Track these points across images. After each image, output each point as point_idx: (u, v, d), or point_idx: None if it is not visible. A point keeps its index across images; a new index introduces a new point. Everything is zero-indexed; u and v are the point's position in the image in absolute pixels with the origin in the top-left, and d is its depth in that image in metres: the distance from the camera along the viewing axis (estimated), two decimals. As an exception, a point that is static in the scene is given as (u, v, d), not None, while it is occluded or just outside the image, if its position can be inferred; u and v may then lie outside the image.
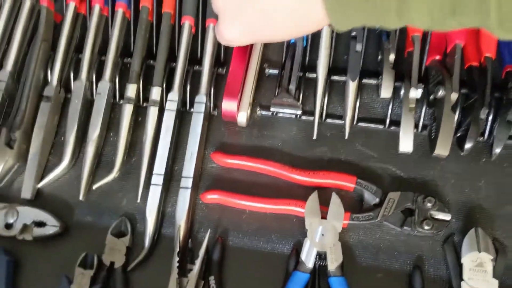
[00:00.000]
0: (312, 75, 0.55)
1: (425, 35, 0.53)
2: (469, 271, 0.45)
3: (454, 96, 0.49)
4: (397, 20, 0.35)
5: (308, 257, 0.47)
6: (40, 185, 0.54)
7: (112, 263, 0.50)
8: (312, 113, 0.54)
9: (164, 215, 0.53)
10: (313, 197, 0.49)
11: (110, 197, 0.54)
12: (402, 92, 0.51)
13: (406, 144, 0.49)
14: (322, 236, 0.48)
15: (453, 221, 0.50)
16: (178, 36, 0.56)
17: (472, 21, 0.34)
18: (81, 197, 0.53)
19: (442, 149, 0.48)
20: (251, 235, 0.51)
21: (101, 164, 0.55)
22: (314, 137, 0.53)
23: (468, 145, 0.49)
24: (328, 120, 0.55)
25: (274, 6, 0.39)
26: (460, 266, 0.46)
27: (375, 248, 0.50)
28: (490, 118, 0.51)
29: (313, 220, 0.48)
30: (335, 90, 0.56)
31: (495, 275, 0.45)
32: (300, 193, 0.51)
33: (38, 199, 0.54)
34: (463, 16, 0.33)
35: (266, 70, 0.57)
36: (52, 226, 0.52)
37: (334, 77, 0.55)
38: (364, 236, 0.50)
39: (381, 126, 0.54)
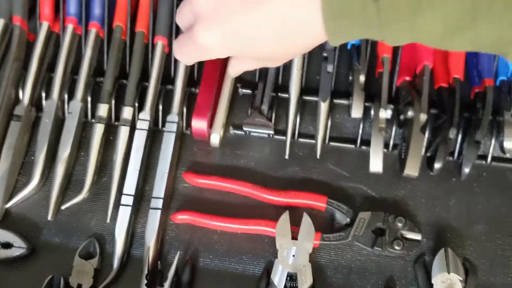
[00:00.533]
0: (284, 95, 0.55)
1: (395, 56, 0.54)
2: (439, 291, 0.45)
3: (423, 116, 0.50)
4: (406, 31, 0.32)
5: (279, 278, 0.47)
6: (8, 205, 0.53)
7: (79, 286, 0.49)
8: (284, 133, 0.54)
9: (134, 236, 0.52)
10: (284, 217, 0.49)
11: (80, 218, 0.53)
12: (372, 112, 0.52)
13: (376, 164, 0.50)
14: (293, 257, 0.47)
15: (424, 240, 0.50)
16: (151, 55, 0.56)
17: (491, 33, 0.31)
18: (49, 217, 0.52)
19: (412, 169, 0.49)
20: (222, 256, 0.51)
21: (71, 184, 0.55)
22: (286, 157, 0.53)
23: (437, 165, 0.49)
24: (301, 140, 0.55)
25: (265, 17, 0.34)
26: (431, 286, 0.46)
27: (347, 268, 0.50)
28: (459, 138, 0.52)
29: (284, 241, 0.48)
30: (307, 109, 0.56)
31: (464, 296, 0.45)
32: (272, 213, 0.51)
33: (6, 220, 0.53)
34: (484, 23, 0.30)
35: (240, 90, 0.57)
36: (18, 247, 0.50)
37: (306, 97, 0.56)
38: (336, 256, 0.50)
39: (353, 146, 0.54)
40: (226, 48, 0.38)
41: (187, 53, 0.41)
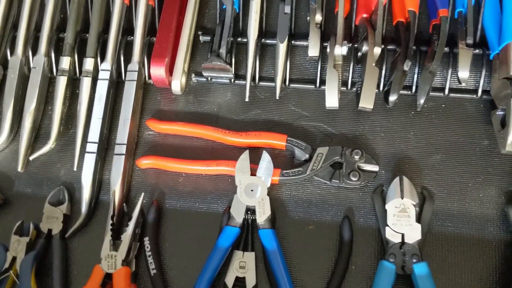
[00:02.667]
0: (244, 40, 0.56)
1: (354, -7, 0.54)
2: (393, 216, 0.46)
3: (377, 50, 0.50)
4: None
5: (238, 212, 0.48)
6: (-21, 160, 0.55)
7: (50, 231, 0.51)
8: (245, 77, 0.55)
9: (102, 183, 0.54)
10: (244, 156, 0.50)
11: (49, 168, 0.55)
12: (328, 50, 0.52)
13: (331, 99, 0.50)
14: (251, 192, 0.49)
15: (383, 172, 0.51)
16: (112, 7, 0.57)
17: None
18: (19, 169, 0.54)
19: (366, 102, 0.49)
20: (187, 197, 0.52)
21: (40, 136, 0.56)
22: (247, 99, 0.54)
23: (392, 98, 0.50)
24: (262, 83, 0.56)
25: None
26: (385, 212, 0.47)
27: (307, 202, 0.51)
28: (416, 71, 0.52)
29: (243, 177, 0.49)
30: (268, 53, 0.57)
31: (418, 220, 0.46)
32: (234, 154, 0.52)
33: (-22, 174, 0.55)
34: None
35: (201, 38, 0.58)
36: (-10, 198, 0.52)
37: (266, 40, 0.56)
38: (296, 191, 0.51)
39: (312, 86, 0.55)
40: None
41: None
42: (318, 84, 0.55)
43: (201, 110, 0.56)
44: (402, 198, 0.47)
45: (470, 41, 0.50)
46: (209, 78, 0.56)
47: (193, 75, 0.57)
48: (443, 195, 0.50)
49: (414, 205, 0.46)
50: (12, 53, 0.57)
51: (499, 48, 0.50)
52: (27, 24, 0.57)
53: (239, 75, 0.56)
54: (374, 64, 0.50)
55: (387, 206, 0.47)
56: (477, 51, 0.53)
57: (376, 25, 0.52)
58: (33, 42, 0.58)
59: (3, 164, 0.55)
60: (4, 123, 0.55)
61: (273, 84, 0.55)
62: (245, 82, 0.55)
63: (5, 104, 0.55)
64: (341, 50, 0.51)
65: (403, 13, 0.54)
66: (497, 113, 0.49)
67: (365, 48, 0.51)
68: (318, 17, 0.53)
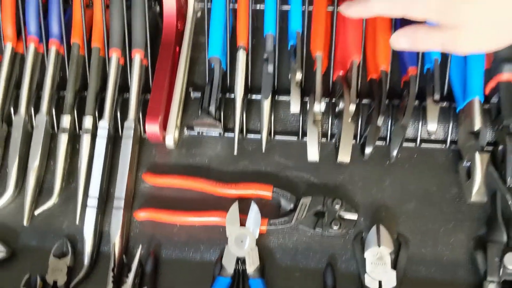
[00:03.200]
0: (232, 95, 0.60)
1: (330, 54, 0.59)
2: (371, 264, 0.51)
3: (352, 107, 0.54)
4: None
5: (229, 263, 0.52)
6: (-14, 214, 0.59)
7: (55, 283, 0.54)
8: (233, 130, 0.59)
9: (103, 235, 0.57)
10: (233, 208, 0.54)
11: (52, 221, 0.58)
12: (308, 106, 0.57)
13: (312, 153, 0.55)
14: (241, 243, 0.53)
15: (362, 220, 0.55)
16: (108, 65, 0.61)
17: None
18: (25, 223, 0.58)
19: (344, 156, 0.54)
20: (182, 247, 0.56)
21: (43, 191, 0.60)
22: (235, 153, 0.58)
23: (367, 150, 0.54)
24: (250, 136, 0.60)
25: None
26: (364, 260, 0.51)
27: (293, 250, 0.55)
28: (389, 124, 0.57)
29: (233, 228, 0.53)
30: (254, 107, 0.61)
31: (394, 267, 0.51)
32: (225, 204, 0.56)
33: (-15, 228, 0.59)
34: None
35: (192, 94, 0.62)
36: (-2, 252, 0.56)
37: (252, 96, 0.61)
38: (283, 239, 0.55)
39: (295, 138, 0.59)
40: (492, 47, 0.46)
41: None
42: (300, 136, 0.59)
43: (193, 162, 0.60)
44: (379, 246, 0.51)
45: (437, 97, 0.55)
46: (200, 132, 0.61)
47: (185, 129, 0.61)
48: (417, 241, 0.54)
49: (390, 252, 0.51)
50: (15, 111, 0.61)
51: (464, 104, 0.55)
52: (29, 84, 0.61)
53: (228, 129, 0.61)
54: (350, 120, 0.55)
55: (365, 254, 0.51)
56: (444, 104, 0.57)
57: (351, 82, 0.56)
58: (35, 100, 0.62)
59: (9, 218, 0.59)
60: (10, 180, 0.59)
61: (259, 136, 0.60)
62: (233, 135, 0.59)
63: (10, 162, 0.59)
64: (319, 107, 0.56)
65: (376, 70, 0.58)
66: (463, 164, 0.54)
67: (341, 105, 0.55)
68: (298, 76, 0.58)
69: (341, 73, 0.59)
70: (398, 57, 0.60)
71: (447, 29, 0.45)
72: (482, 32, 0.44)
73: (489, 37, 0.45)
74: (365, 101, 0.58)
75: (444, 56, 0.56)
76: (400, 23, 0.57)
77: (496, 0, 0.42)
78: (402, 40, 0.49)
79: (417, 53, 0.57)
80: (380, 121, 0.54)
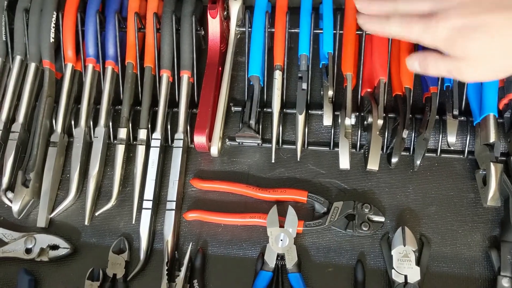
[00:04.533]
0: (269, 110, 0.67)
1: (359, 72, 0.65)
2: (397, 261, 0.57)
3: (380, 122, 0.61)
4: None
5: (270, 259, 0.59)
6: (52, 215, 0.66)
7: (114, 275, 0.61)
8: (271, 141, 0.66)
9: (155, 233, 0.64)
10: (273, 211, 0.61)
11: (110, 221, 0.66)
12: (339, 120, 0.63)
13: (344, 162, 0.61)
14: (281, 241, 0.59)
15: (388, 222, 0.62)
16: (158, 85, 0.69)
17: None
18: (86, 223, 0.65)
19: (373, 165, 0.60)
20: (226, 245, 0.63)
21: (101, 194, 0.67)
22: (273, 161, 0.65)
23: (394, 160, 0.61)
24: (285, 146, 0.67)
25: None
26: (391, 257, 0.58)
27: (326, 248, 0.61)
28: (413, 136, 0.63)
29: (273, 229, 0.60)
30: (289, 120, 0.68)
31: (418, 263, 0.57)
32: (264, 207, 0.63)
33: (51, 227, 0.66)
34: None
35: (232, 108, 0.69)
36: (64, 248, 0.63)
37: (287, 110, 0.67)
38: (317, 239, 0.62)
39: (327, 148, 0.66)
40: (495, 76, 0.52)
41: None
42: (332, 147, 0.66)
43: (234, 169, 0.67)
44: (404, 245, 0.57)
45: (456, 112, 0.61)
46: (240, 143, 0.68)
47: (227, 140, 0.68)
48: (438, 240, 0.60)
49: (414, 251, 0.57)
50: (76, 124, 0.69)
51: (480, 118, 0.61)
52: (88, 99, 0.69)
53: (266, 139, 0.67)
54: (378, 133, 0.61)
55: (392, 252, 0.57)
56: (462, 118, 0.64)
57: (378, 99, 0.63)
58: (93, 115, 0.69)
59: (71, 218, 0.66)
60: (72, 184, 0.66)
61: (293, 146, 0.66)
62: (271, 145, 0.66)
63: (72, 168, 0.66)
64: (350, 121, 0.62)
65: (401, 87, 0.65)
66: (480, 172, 0.60)
67: (370, 119, 0.62)
68: (330, 93, 0.64)
69: (368, 90, 0.65)
70: (420, 76, 0.66)
71: (453, 59, 0.50)
72: (485, 65, 0.49)
73: (492, 70, 0.49)
74: (390, 115, 0.65)
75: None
76: (422, 46, 0.64)
77: (500, 39, 0.47)
78: (415, 64, 0.55)
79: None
80: (404, 134, 0.61)
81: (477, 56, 0.48)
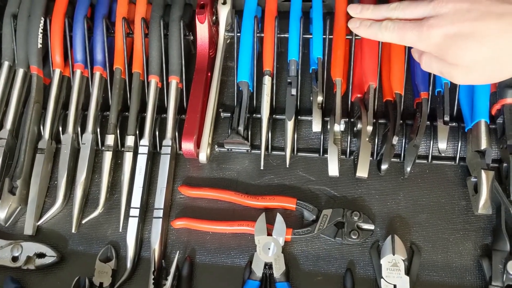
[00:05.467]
0: (258, 116, 0.66)
1: (349, 76, 0.64)
2: (386, 270, 0.56)
3: (369, 128, 0.60)
4: None
5: (257, 268, 0.58)
6: (39, 223, 0.65)
7: (101, 284, 0.60)
8: (260, 147, 0.65)
9: (143, 241, 0.64)
10: (261, 218, 0.60)
11: (97, 229, 0.65)
12: (329, 126, 0.62)
13: (333, 169, 0.60)
14: (269, 250, 0.59)
15: (378, 230, 0.61)
16: (147, 90, 0.68)
17: None
18: (73, 230, 0.64)
19: (362, 172, 0.59)
20: (214, 253, 0.62)
21: (89, 202, 0.66)
22: (261, 167, 0.64)
23: (383, 167, 0.60)
24: (274, 152, 0.66)
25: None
26: (380, 266, 0.57)
27: (315, 256, 0.60)
28: (403, 143, 0.62)
29: (261, 237, 0.59)
30: (279, 126, 0.67)
31: (408, 273, 0.56)
32: (252, 214, 0.62)
33: (38, 234, 0.65)
34: None
35: (222, 114, 0.68)
36: (50, 256, 0.62)
37: (277, 116, 0.67)
38: (306, 247, 0.61)
39: (317, 155, 0.65)
40: (486, 81, 0.51)
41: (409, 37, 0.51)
42: (321, 153, 0.65)
43: (223, 175, 0.66)
44: (393, 254, 0.56)
45: (447, 118, 0.60)
46: (229, 149, 0.67)
47: (216, 146, 0.67)
48: (429, 248, 0.59)
49: (403, 260, 0.56)
50: (63, 130, 0.68)
51: (472, 124, 0.60)
52: (75, 105, 0.68)
53: (255, 145, 0.67)
54: (367, 139, 0.60)
55: (381, 261, 0.56)
56: (454, 124, 0.63)
57: (368, 105, 0.62)
58: (81, 121, 0.69)
59: (58, 226, 0.66)
60: (59, 191, 0.65)
61: (284, 153, 0.66)
62: (260, 151, 0.65)
63: (60, 175, 0.66)
64: (339, 127, 0.61)
65: (391, 93, 0.64)
66: (471, 179, 0.59)
67: (359, 126, 0.61)
68: (320, 99, 0.64)
69: (358, 95, 0.64)
70: (411, 80, 0.66)
71: (446, 63, 0.50)
72: (477, 71, 0.49)
73: (483, 75, 0.49)
74: (381, 121, 0.64)
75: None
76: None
77: (492, 47, 0.47)
78: (415, 54, 0.55)
79: (429, 78, 0.63)
80: (395, 140, 0.60)
81: (468, 63, 0.48)
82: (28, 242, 0.63)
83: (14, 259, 0.62)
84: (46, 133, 0.68)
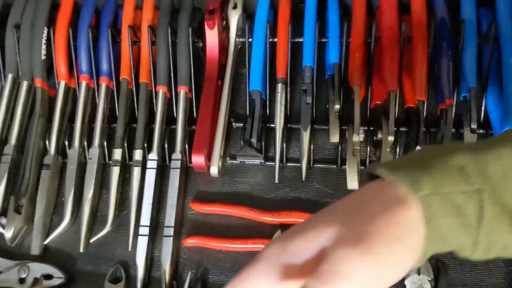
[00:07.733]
0: (272, 125, 0.63)
1: (368, 83, 0.61)
2: (412, 291, 0.52)
3: (390, 138, 0.56)
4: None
5: (274, 289, 0.55)
6: (46, 242, 0.63)
7: (110, 306, 0.58)
8: (274, 159, 0.62)
9: (153, 260, 0.61)
10: (277, 235, 0.57)
11: (106, 248, 0.62)
12: (347, 136, 0.59)
13: (352, 182, 0.57)
14: (285, 270, 0.55)
15: (401, 246, 0.57)
16: (155, 101, 0.65)
17: None
18: (81, 250, 0.62)
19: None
20: (227, 272, 0.59)
21: (97, 219, 0.64)
22: (276, 181, 0.61)
23: (406, 180, 0.56)
24: (289, 164, 0.63)
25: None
26: (404, 287, 0.53)
27: (335, 275, 0.57)
28: (427, 152, 0.58)
29: (277, 256, 0.56)
30: (294, 136, 0.64)
31: (435, 293, 0.52)
32: (267, 231, 0.59)
33: (46, 254, 0.63)
34: None
35: (234, 124, 0.65)
36: (58, 278, 0.60)
37: (292, 125, 0.63)
38: (325, 265, 0.58)
39: (335, 166, 0.62)
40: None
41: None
42: (339, 164, 0.62)
43: (236, 189, 0.63)
44: (419, 274, 0.53)
45: (474, 126, 0.56)
46: (242, 162, 0.64)
47: (227, 159, 0.64)
48: (456, 266, 0.55)
49: (429, 280, 0.52)
50: (70, 144, 0.66)
51: (501, 132, 0.56)
52: (82, 119, 0.66)
53: (269, 157, 0.63)
54: (388, 150, 0.57)
55: (406, 282, 0.53)
56: (481, 131, 0.59)
57: (389, 112, 0.58)
58: (87, 134, 0.66)
59: (66, 244, 0.63)
60: (66, 208, 0.63)
61: (299, 165, 0.62)
62: (274, 163, 0.62)
63: (67, 192, 0.63)
64: (358, 138, 0.58)
65: (413, 99, 0.60)
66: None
67: (380, 136, 0.57)
68: (337, 107, 0.60)
69: (378, 102, 0.60)
70: (434, 86, 0.61)
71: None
72: None
73: None
74: (402, 129, 0.60)
75: (481, 85, 0.57)
76: (436, 55, 0.59)
77: None
78: None
79: (454, 83, 0.58)
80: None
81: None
82: (35, 263, 0.61)
83: (21, 281, 0.60)
84: (52, 148, 0.65)
